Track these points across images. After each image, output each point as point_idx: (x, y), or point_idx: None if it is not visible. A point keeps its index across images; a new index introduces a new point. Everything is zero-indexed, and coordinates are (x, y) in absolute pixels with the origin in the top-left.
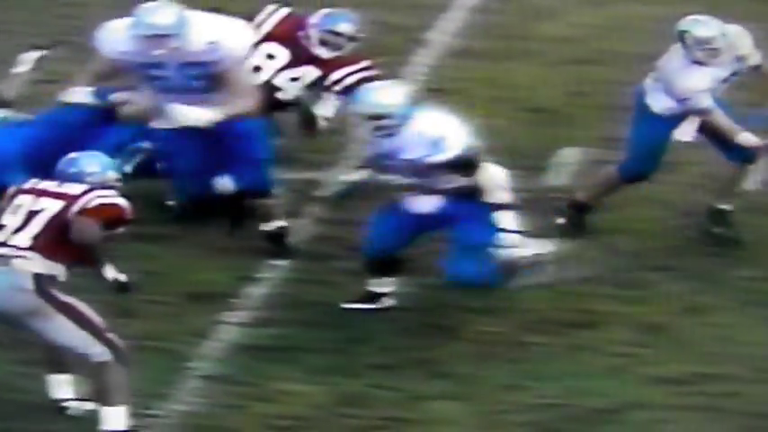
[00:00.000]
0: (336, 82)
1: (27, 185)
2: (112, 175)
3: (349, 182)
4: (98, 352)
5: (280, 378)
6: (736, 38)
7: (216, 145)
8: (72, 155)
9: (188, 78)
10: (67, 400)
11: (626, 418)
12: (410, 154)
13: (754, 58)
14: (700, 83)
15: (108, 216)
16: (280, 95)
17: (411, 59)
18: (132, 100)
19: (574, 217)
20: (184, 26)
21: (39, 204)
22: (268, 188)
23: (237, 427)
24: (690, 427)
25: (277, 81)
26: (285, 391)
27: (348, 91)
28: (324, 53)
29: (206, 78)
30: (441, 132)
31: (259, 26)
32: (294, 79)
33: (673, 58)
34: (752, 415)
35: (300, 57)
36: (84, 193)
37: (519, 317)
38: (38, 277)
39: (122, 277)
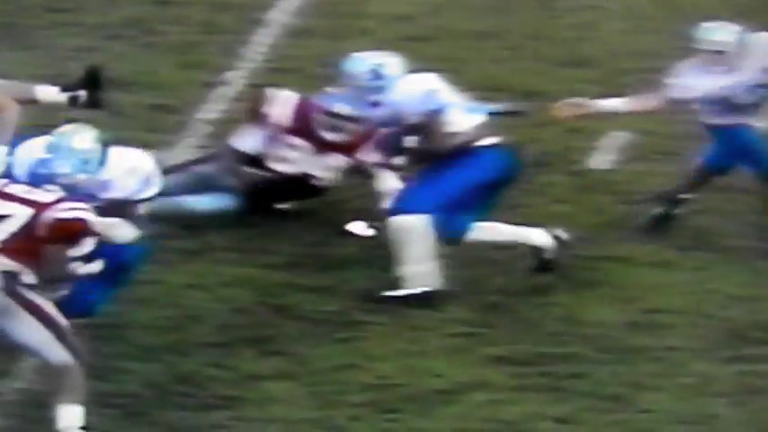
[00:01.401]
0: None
1: None
2: (83, 176)
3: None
4: (60, 353)
5: (113, 356)
6: (760, 46)
7: None
8: (43, 155)
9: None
10: None
11: (466, 398)
12: None
13: None
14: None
15: (72, 231)
16: (315, 182)
17: (249, 39)
18: None
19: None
20: None
21: (6, 209)
22: None
23: None
24: (531, 408)
25: (310, 171)
26: (119, 369)
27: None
28: (334, 137)
29: None
30: None
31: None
32: (324, 167)
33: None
34: (596, 396)
35: (320, 143)
36: (53, 203)
37: (354, 295)
38: (6, 276)
39: None
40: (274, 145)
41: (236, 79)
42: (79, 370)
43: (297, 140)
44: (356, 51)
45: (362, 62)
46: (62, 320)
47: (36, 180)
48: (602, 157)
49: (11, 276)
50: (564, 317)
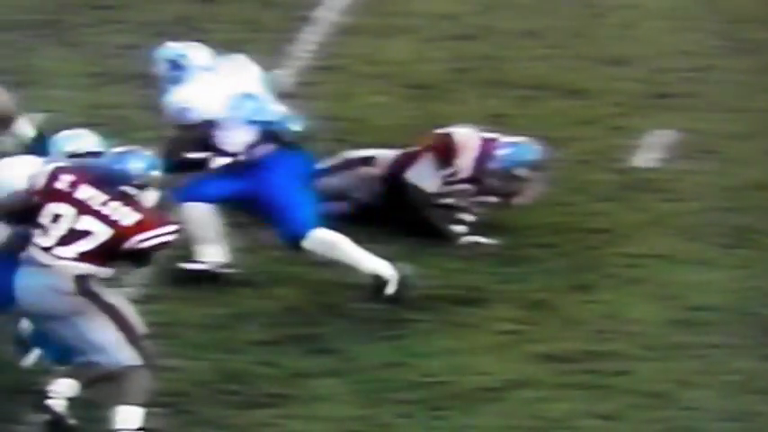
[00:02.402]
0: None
1: (61, 183)
2: (156, 174)
3: None
4: (128, 356)
5: (162, 354)
6: None
7: None
8: (117, 150)
9: None
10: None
11: (510, 395)
12: None
13: None
14: None
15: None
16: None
17: (295, 37)
18: None
19: None
20: None
21: (82, 224)
22: None
23: None
24: (576, 405)
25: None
26: (168, 367)
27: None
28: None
29: None
30: None
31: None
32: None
33: None
34: (640, 393)
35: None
36: (137, 229)
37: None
38: (81, 279)
39: None
40: (447, 186)
41: (282, 77)
42: (146, 374)
43: (469, 186)
44: (401, 49)
45: (164, 51)
46: (135, 322)
47: (107, 179)
48: (646, 155)
49: (85, 279)
50: (607, 314)
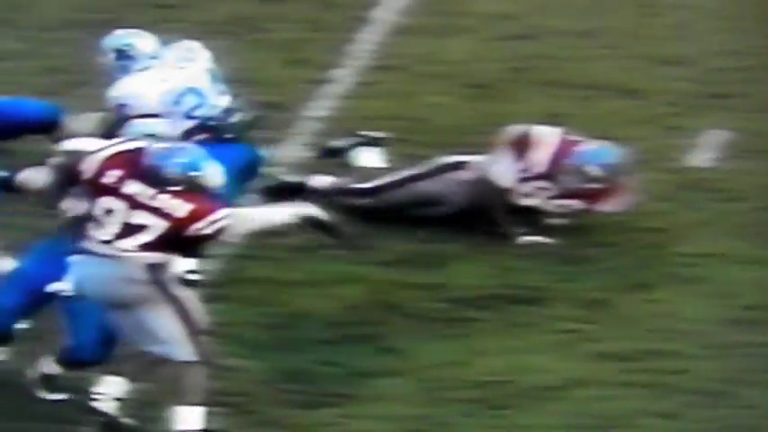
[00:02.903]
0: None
1: (108, 179)
2: (205, 172)
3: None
4: (187, 351)
5: (224, 354)
6: None
7: None
8: (163, 146)
9: None
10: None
11: (570, 394)
12: None
13: None
14: None
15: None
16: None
17: (354, 37)
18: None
19: None
20: None
21: (136, 218)
22: None
23: None
24: (635, 403)
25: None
26: (230, 367)
27: None
28: (579, 187)
29: None
30: None
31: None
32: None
33: None
34: (697, 392)
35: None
36: (192, 218)
37: (462, 293)
38: (152, 267)
39: None
40: (524, 182)
41: (342, 77)
42: (202, 372)
43: (545, 183)
44: (460, 49)
45: (111, 41)
46: (199, 318)
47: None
48: (700, 155)
49: (156, 267)
50: (665, 313)
